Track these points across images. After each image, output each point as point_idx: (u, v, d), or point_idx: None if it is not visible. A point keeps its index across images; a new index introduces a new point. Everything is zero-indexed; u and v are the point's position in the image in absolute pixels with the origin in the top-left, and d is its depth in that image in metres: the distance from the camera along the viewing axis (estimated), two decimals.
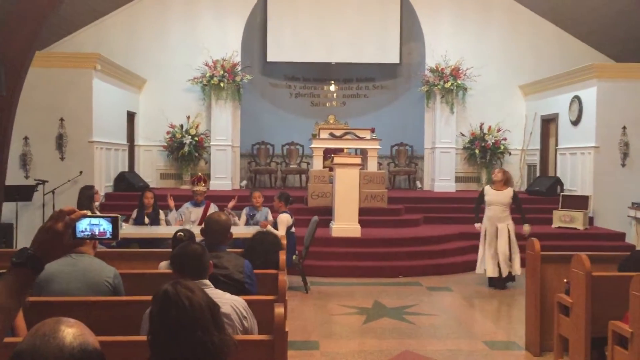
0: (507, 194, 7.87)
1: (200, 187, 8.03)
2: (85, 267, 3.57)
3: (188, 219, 7.89)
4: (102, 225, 1.69)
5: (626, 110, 10.75)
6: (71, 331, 1.24)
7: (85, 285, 3.53)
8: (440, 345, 5.62)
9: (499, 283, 7.86)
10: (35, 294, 3.31)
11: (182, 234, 4.66)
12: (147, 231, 7.51)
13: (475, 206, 8.20)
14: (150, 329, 1.82)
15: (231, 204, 8.06)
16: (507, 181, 7.95)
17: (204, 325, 1.75)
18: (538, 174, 13.04)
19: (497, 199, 7.84)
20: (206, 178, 8.39)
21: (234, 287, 3.61)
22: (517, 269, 7.73)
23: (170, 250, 4.91)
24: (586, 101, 11.16)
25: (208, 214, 7.78)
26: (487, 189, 7.99)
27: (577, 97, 11.43)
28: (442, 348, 5.51)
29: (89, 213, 1.68)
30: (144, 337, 2.73)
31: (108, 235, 1.71)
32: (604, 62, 12.57)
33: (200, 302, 1.79)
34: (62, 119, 10.39)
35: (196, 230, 6.56)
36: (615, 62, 12.63)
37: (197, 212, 7.97)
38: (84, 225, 1.66)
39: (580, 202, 10.58)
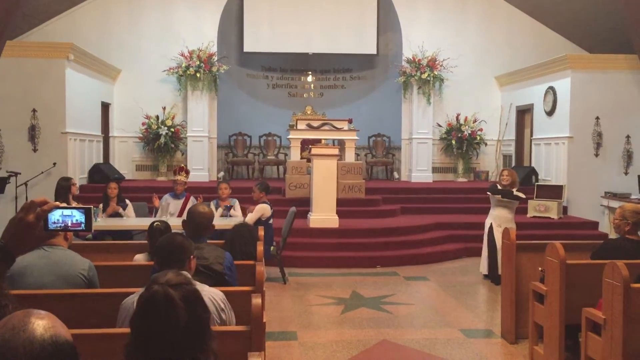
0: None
1: (182, 177, 7.94)
2: (58, 259, 3.51)
3: (166, 211, 7.81)
4: (75, 217, 1.66)
5: (599, 101, 10.90)
6: (42, 323, 1.20)
7: (60, 278, 3.47)
8: (417, 334, 5.66)
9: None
10: (8, 288, 3.24)
11: (159, 223, 4.62)
12: (121, 223, 7.42)
13: (494, 190, 7.72)
14: (131, 318, 1.79)
15: (199, 201, 7.96)
16: (513, 183, 7.68)
17: (174, 343, 1.71)
18: (513, 164, 13.18)
19: (504, 201, 7.65)
20: (188, 169, 8.29)
21: (214, 278, 3.59)
22: None
23: (145, 242, 4.88)
24: (560, 92, 11.29)
25: (187, 206, 7.75)
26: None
27: (551, 88, 11.56)
28: (420, 337, 5.55)
29: (61, 204, 1.65)
30: (119, 330, 2.71)
31: (82, 227, 1.68)
32: (578, 53, 12.72)
33: (178, 320, 1.72)
34: (34, 110, 10.21)
35: (174, 221, 6.53)
36: (588, 53, 12.79)
37: (176, 204, 7.88)
38: (56, 217, 1.63)
39: (554, 192, 10.72)
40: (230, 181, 10.02)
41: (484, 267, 7.81)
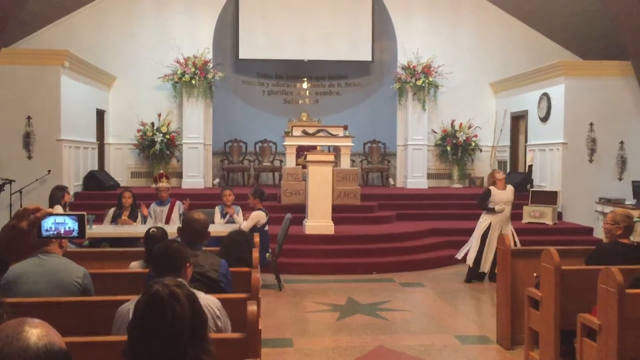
0: (510, 190, 8.08)
1: (164, 183, 7.91)
2: (53, 267, 3.50)
3: (159, 219, 7.79)
4: (68, 224, 1.66)
5: (593, 107, 10.94)
6: (35, 332, 1.20)
7: (54, 285, 3.47)
8: (413, 340, 5.66)
9: (480, 276, 8.07)
10: (2, 296, 3.23)
11: (155, 230, 4.61)
12: (116, 230, 7.38)
13: (482, 202, 8.12)
14: (131, 320, 1.78)
15: (185, 205, 7.94)
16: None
17: (179, 341, 1.70)
18: (508, 170, 13.21)
19: (506, 196, 7.97)
20: (169, 175, 8.28)
21: (209, 285, 3.59)
22: None
23: (141, 249, 4.87)
24: (554, 98, 11.33)
25: (173, 212, 7.76)
26: (495, 190, 8.00)
27: (545, 94, 11.61)
28: (415, 343, 5.55)
29: (54, 211, 1.64)
30: (114, 338, 2.70)
31: (75, 234, 1.68)
32: (571, 59, 12.78)
33: (183, 317, 1.73)
34: (29, 117, 10.19)
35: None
36: (581, 59, 12.84)
37: (163, 212, 7.86)
38: (49, 224, 1.63)
39: (549, 198, 10.75)
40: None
41: (471, 259, 8.03)
